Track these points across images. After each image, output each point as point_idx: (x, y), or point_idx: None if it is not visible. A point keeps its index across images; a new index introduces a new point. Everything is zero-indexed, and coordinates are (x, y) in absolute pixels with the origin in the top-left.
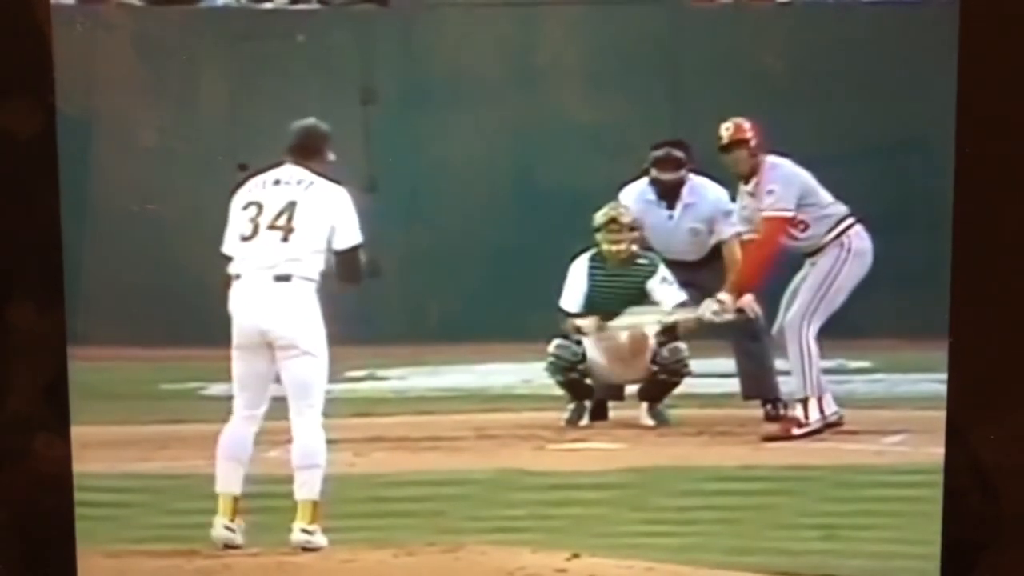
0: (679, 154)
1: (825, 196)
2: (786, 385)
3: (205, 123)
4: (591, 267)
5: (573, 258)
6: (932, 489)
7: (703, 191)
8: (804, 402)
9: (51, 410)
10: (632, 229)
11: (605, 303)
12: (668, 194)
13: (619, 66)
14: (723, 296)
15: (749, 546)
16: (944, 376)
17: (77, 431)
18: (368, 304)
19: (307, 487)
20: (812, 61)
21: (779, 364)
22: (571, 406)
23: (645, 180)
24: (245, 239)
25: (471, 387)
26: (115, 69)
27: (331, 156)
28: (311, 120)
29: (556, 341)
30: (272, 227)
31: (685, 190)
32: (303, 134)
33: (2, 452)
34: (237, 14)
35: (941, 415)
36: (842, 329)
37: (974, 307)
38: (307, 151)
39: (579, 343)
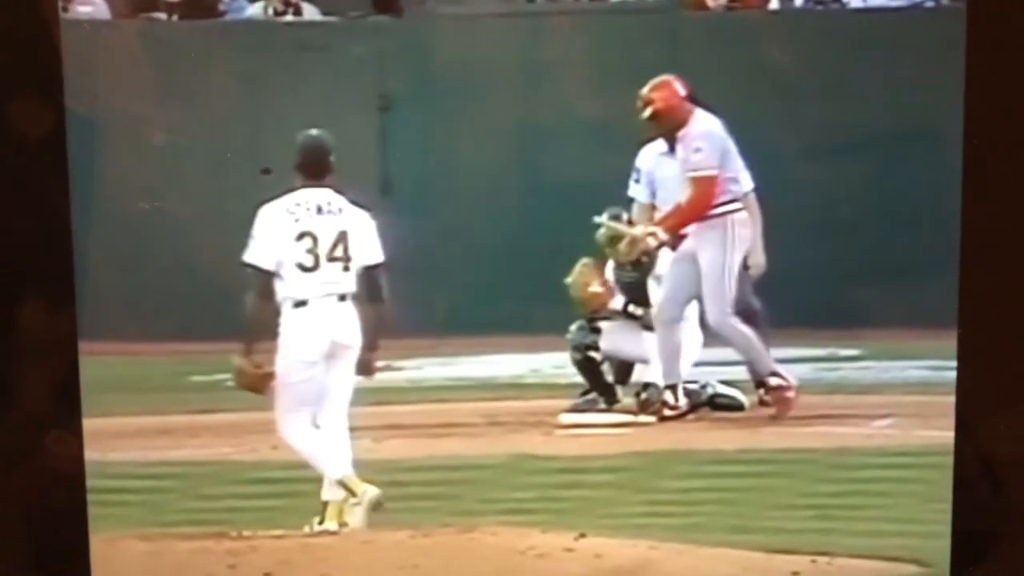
0: None
1: (733, 169)
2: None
3: (223, 126)
4: (615, 271)
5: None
6: (920, 470)
7: None
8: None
9: (63, 408)
10: (630, 223)
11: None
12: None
13: (620, 71)
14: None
15: (747, 525)
16: (931, 363)
17: (111, 422)
18: None
19: (335, 488)
20: (818, 60)
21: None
22: (585, 397)
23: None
24: (307, 270)
25: (482, 377)
26: (134, 76)
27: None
28: (315, 132)
29: (575, 324)
30: (332, 258)
31: None
32: (316, 150)
33: (15, 450)
34: (262, 27)
35: (927, 399)
36: (834, 318)
37: (983, 298)
38: (323, 168)
39: (595, 330)
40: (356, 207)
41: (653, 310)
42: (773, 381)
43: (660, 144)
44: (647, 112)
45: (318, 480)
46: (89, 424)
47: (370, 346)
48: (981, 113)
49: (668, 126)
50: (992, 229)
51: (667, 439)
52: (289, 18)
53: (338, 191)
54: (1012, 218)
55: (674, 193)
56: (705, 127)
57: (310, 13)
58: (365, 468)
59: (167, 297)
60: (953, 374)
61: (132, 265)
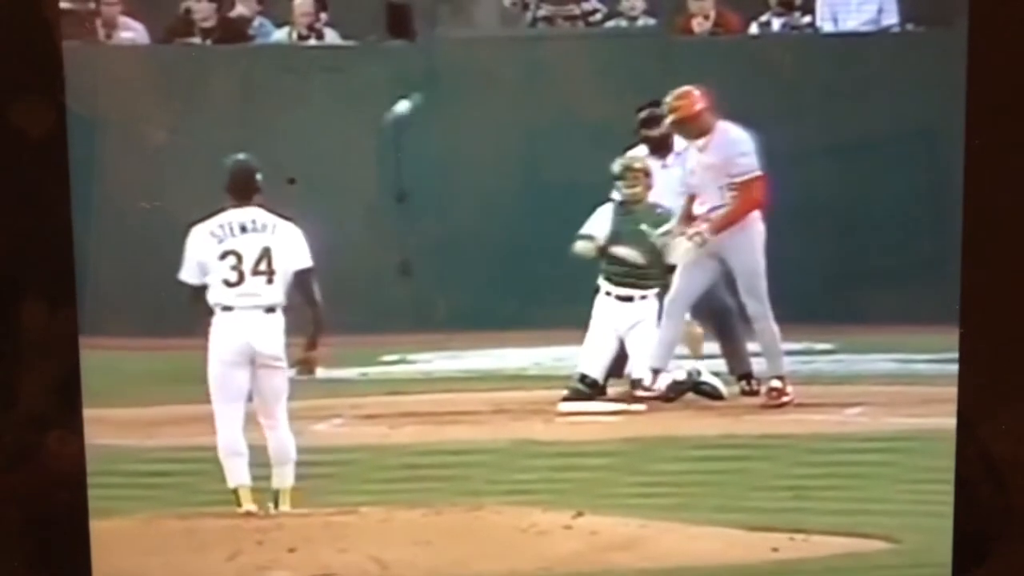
0: (660, 111)
1: None
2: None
3: (251, 139)
4: (615, 213)
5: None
6: (888, 454)
7: None
8: (782, 379)
9: (64, 408)
10: (646, 175)
11: (625, 244)
12: (659, 147)
13: (615, 88)
14: (704, 228)
15: (731, 505)
16: (899, 356)
17: (151, 411)
18: (400, 298)
19: (285, 478)
20: (795, 77)
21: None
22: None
23: (641, 144)
24: (231, 285)
25: (488, 369)
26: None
27: (259, 180)
28: (242, 157)
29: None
30: (256, 273)
31: (674, 141)
32: (241, 173)
33: (15, 450)
34: (287, 50)
35: (896, 389)
36: (810, 315)
37: (984, 298)
38: (249, 189)
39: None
40: (282, 220)
41: (666, 299)
42: (776, 383)
43: (641, 150)
44: (671, 119)
45: (340, 463)
46: (126, 413)
47: (309, 345)
48: (981, 118)
49: (690, 133)
50: (992, 229)
51: (657, 426)
52: (312, 42)
53: (268, 209)
54: (1013, 218)
55: (655, 192)
56: (740, 133)
57: (331, 37)
58: (382, 452)
59: (169, 296)
60: (919, 367)
61: (133, 265)
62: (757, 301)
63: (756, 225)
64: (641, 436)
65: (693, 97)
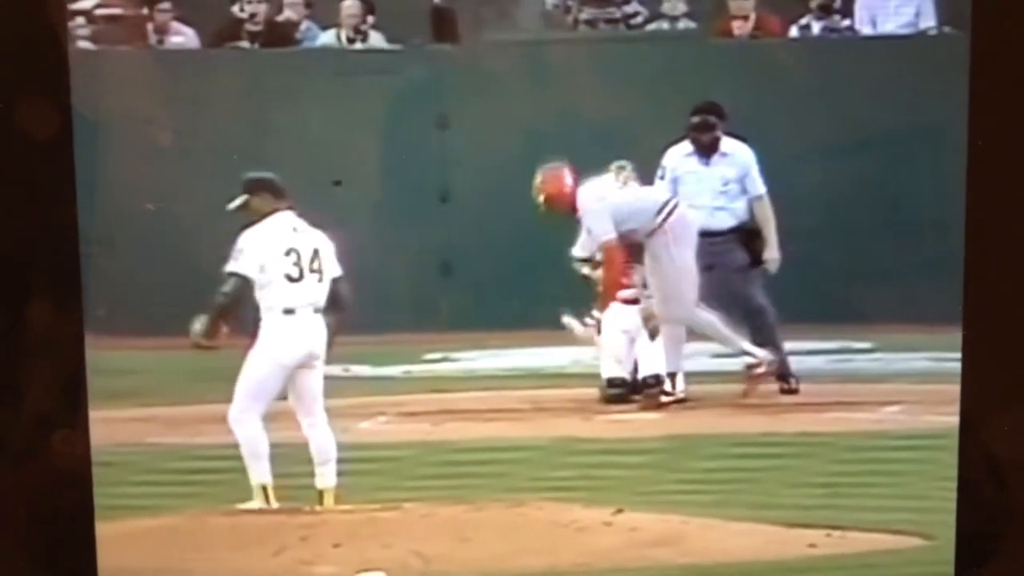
0: (713, 119)
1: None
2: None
3: (304, 144)
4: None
5: None
6: (925, 451)
7: (738, 146)
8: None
9: (69, 407)
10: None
11: None
12: (707, 149)
13: (656, 91)
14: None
15: (769, 502)
16: (936, 354)
17: (194, 409)
18: (442, 298)
19: (327, 477)
20: (833, 79)
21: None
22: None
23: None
24: (293, 280)
25: (529, 367)
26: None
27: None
28: (253, 175)
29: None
30: (312, 271)
31: (722, 143)
32: (274, 183)
33: (22, 449)
34: (334, 53)
35: (932, 388)
36: (847, 314)
37: (988, 300)
38: (279, 195)
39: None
40: (316, 229)
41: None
42: (748, 360)
43: (686, 146)
44: (540, 199)
45: (383, 460)
46: (175, 411)
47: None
48: (985, 119)
49: (560, 210)
50: (996, 230)
51: (697, 424)
52: (358, 46)
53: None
54: (1017, 219)
55: (695, 189)
56: (586, 205)
57: (376, 40)
58: (425, 449)
59: (173, 296)
60: (955, 365)
61: (139, 265)
62: (678, 305)
63: (668, 242)
64: (680, 433)
65: (558, 179)
